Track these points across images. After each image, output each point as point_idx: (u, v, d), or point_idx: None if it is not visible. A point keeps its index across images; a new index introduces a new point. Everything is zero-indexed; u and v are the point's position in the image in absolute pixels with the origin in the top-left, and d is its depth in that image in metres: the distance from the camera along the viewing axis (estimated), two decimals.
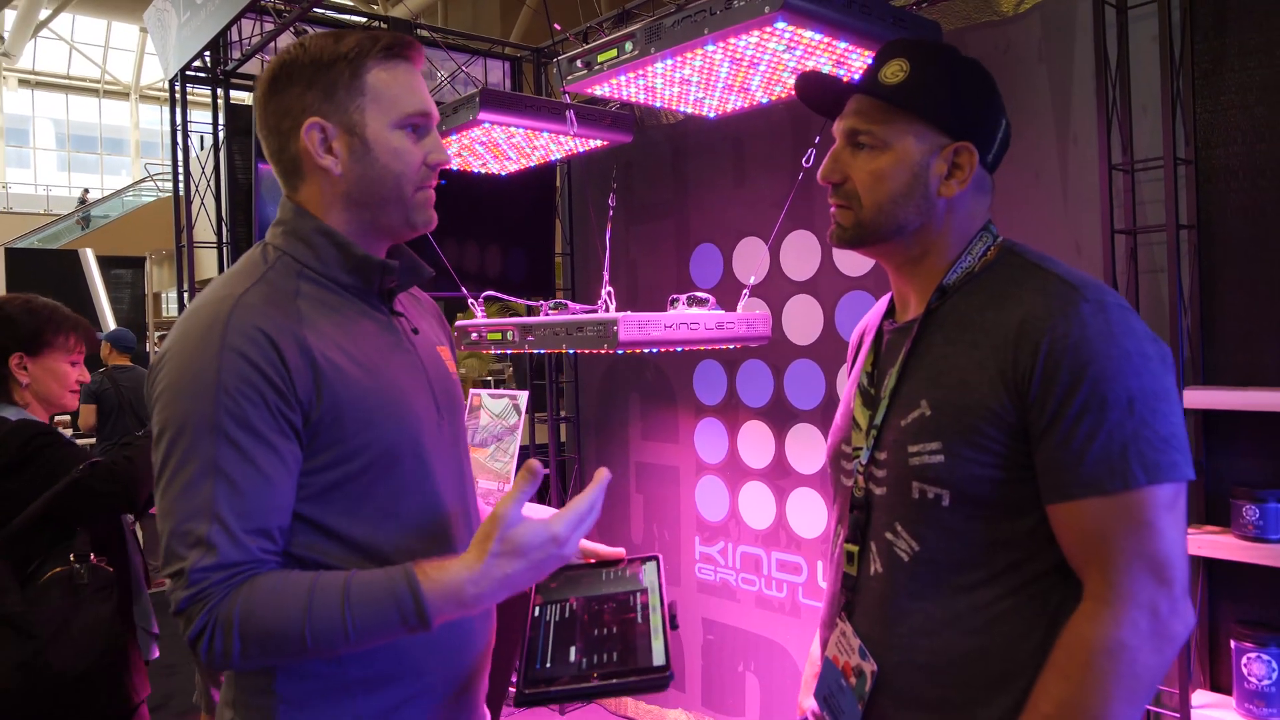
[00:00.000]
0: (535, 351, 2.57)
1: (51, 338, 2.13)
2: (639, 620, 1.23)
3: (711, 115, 2.69)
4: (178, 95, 3.66)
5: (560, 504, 3.93)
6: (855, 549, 1.25)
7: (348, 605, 1.03)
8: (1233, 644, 2.11)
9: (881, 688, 1.19)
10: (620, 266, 3.82)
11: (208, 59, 3.67)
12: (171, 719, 3.87)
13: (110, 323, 11.92)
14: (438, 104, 1.29)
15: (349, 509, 1.14)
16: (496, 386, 8.17)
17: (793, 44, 2.03)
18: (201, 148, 5.22)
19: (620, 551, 1.40)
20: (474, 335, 2.58)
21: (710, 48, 2.04)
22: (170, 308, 15.69)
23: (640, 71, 2.23)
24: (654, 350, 2.22)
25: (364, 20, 4.16)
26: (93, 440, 5.79)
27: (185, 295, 3.68)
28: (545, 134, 2.86)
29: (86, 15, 23.56)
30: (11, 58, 22.99)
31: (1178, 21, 2.25)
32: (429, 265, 1.34)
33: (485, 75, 4.38)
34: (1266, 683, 2.04)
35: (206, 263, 5.27)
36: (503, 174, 3.39)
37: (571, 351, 2.66)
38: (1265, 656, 2.04)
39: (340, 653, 1.07)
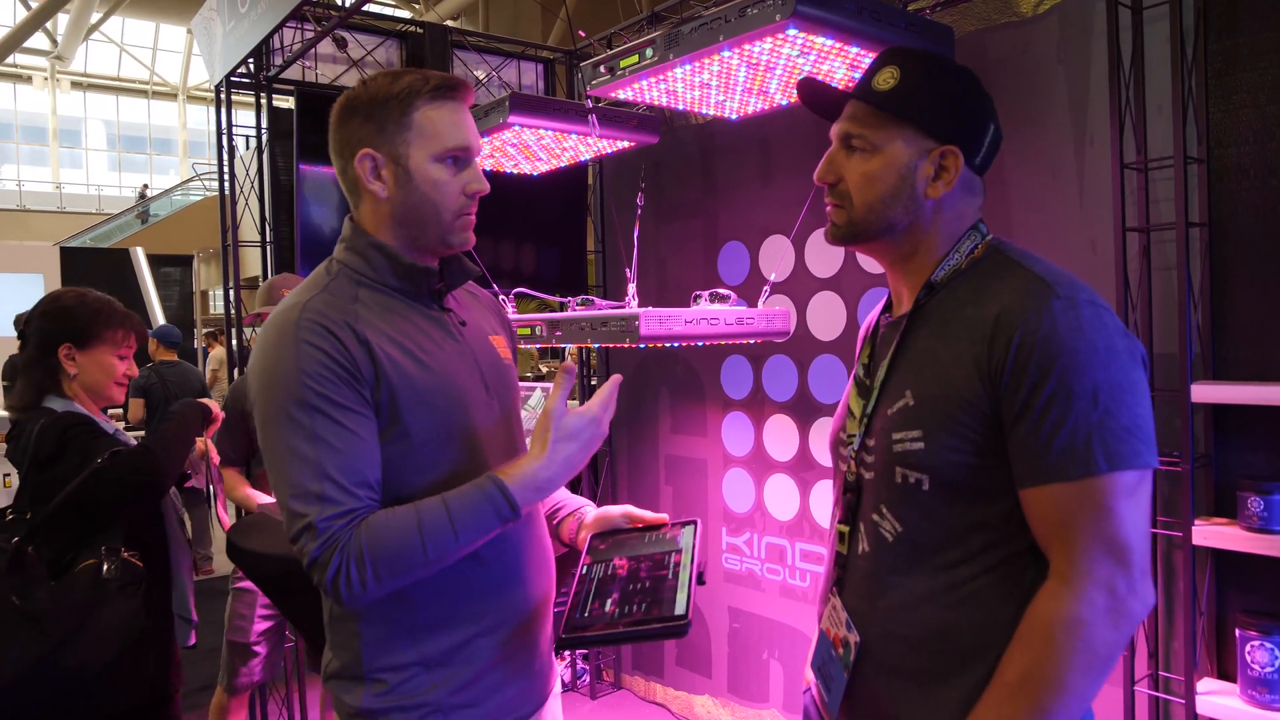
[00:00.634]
0: (563, 346, 2.67)
1: (101, 330, 2.14)
2: (669, 576, 1.36)
3: (734, 117, 2.77)
4: (223, 99, 3.79)
5: (593, 495, 4.02)
6: (846, 529, 1.32)
7: (450, 512, 1.23)
8: (1238, 632, 2.15)
9: (864, 658, 1.26)
10: (650, 264, 3.89)
11: (251, 65, 3.79)
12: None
13: (160, 319, 12.19)
14: (472, 107, 1.42)
15: (414, 475, 1.32)
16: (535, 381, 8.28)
17: (806, 49, 2.10)
18: (246, 149, 5.36)
19: (664, 517, 1.56)
20: None
21: (726, 53, 2.12)
22: (217, 305, 15.93)
23: (661, 76, 2.31)
24: (676, 345, 2.30)
25: (399, 26, 4.26)
26: (141, 433, 5.98)
27: (230, 293, 3.78)
28: (573, 136, 2.96)
29: (136, 18, 24.10)
30: (65, 60, 23.57)
31: (1191, 22, 2.28)
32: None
33: (519, 78, 4.47)
34: (1269, 670, 2.07)
35: (251, 261, 5.38)
36: (535, 174, 3.49)
37: (597, 345, 2.75)
38: (1269, 645, 2.08)
39: (452, 557, 1.25)
